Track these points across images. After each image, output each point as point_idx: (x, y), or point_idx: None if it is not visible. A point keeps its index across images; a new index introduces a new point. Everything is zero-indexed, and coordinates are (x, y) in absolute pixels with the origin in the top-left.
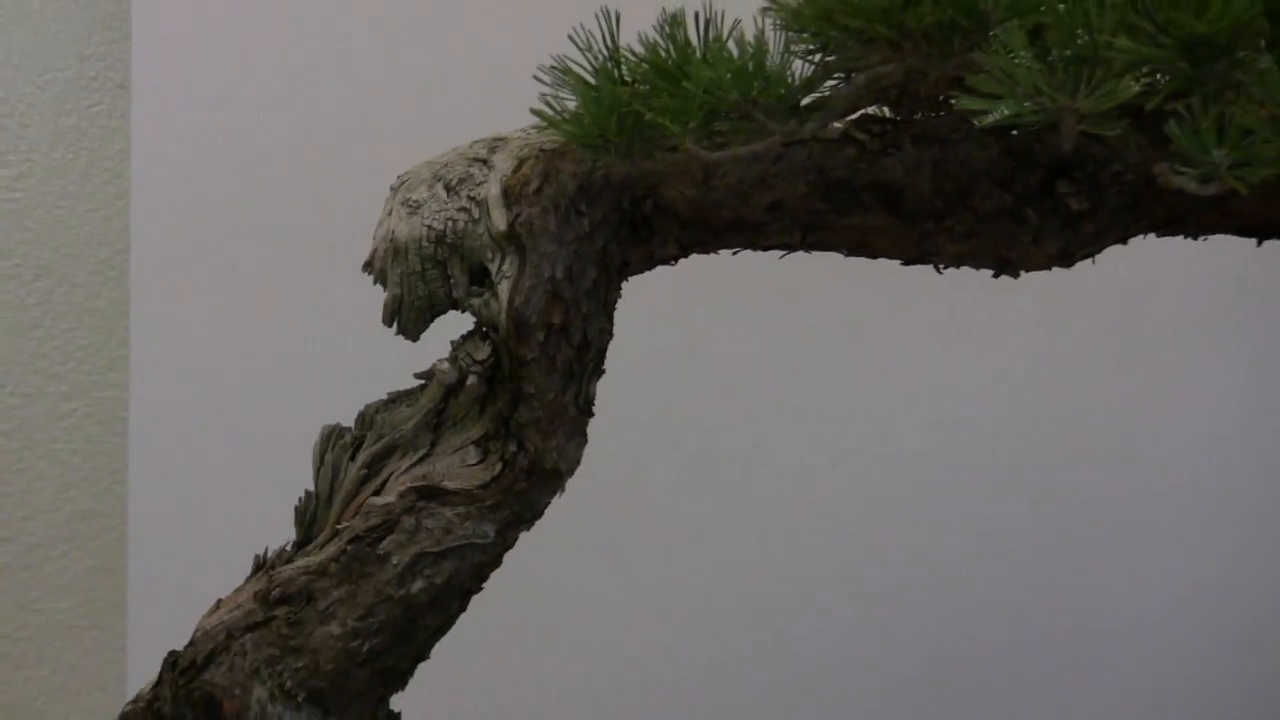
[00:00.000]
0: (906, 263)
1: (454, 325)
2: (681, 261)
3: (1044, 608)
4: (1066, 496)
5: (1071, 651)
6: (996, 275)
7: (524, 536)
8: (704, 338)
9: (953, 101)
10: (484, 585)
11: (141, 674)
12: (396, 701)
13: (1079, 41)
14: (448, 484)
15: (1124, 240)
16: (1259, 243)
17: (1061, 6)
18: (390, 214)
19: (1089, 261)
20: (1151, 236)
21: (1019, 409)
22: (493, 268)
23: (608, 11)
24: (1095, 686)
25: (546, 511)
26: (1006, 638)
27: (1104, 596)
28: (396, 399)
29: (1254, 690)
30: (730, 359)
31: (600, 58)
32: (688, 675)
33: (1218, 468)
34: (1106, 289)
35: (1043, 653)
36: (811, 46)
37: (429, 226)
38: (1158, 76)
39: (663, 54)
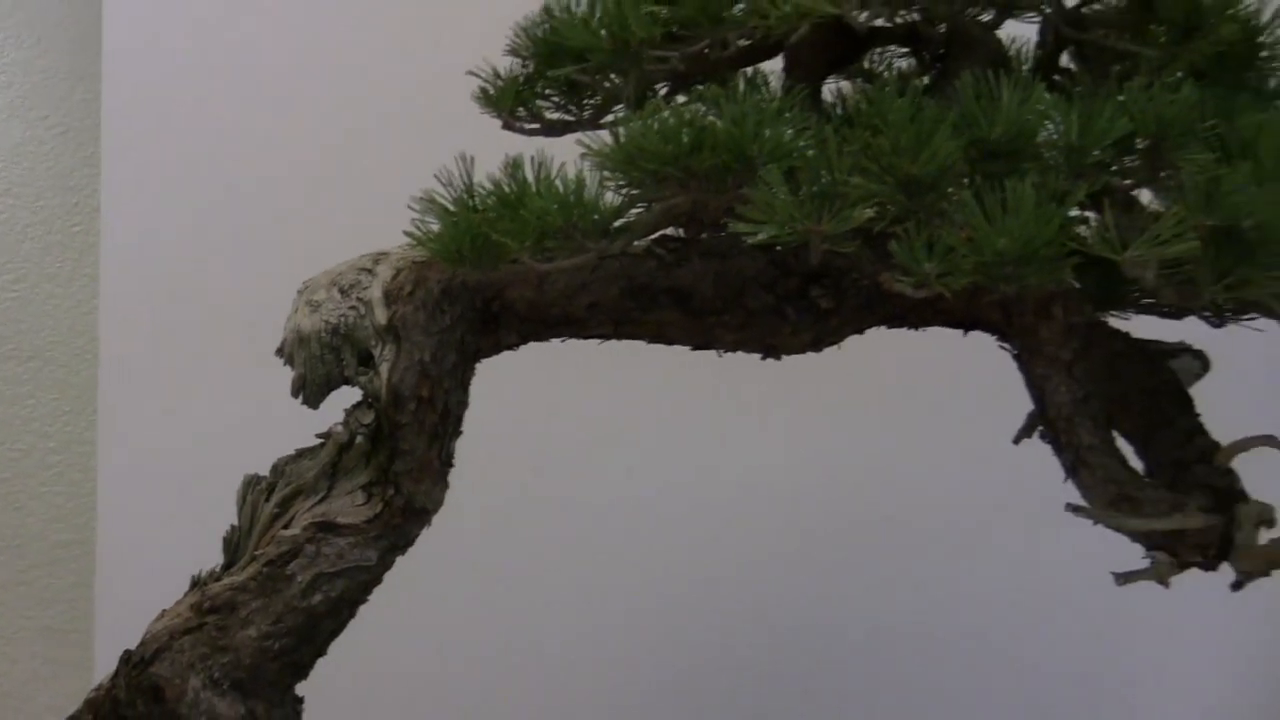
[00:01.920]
0: (695, 349)
1: (346, 397)
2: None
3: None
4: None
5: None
6: (764, 358)
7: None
8: (536, 405)
9: (729, 225)
10: (368, 598)
11: (104, 667)
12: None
13: (823, 180)
14: (341, 520)
15: (861, 331)
16: (965, 333)
17: (810, 153)
18: (296, 311)
19: (836, 347)
20: None
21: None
22: (376, 353)
23: (465, 156)
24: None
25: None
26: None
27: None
28: (302, 453)
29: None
30: (559, 424)
31: (458, 191)
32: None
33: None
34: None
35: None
36: (620, 182)
37: (326, 321)
38: (883, 206)
39: (505, 188)
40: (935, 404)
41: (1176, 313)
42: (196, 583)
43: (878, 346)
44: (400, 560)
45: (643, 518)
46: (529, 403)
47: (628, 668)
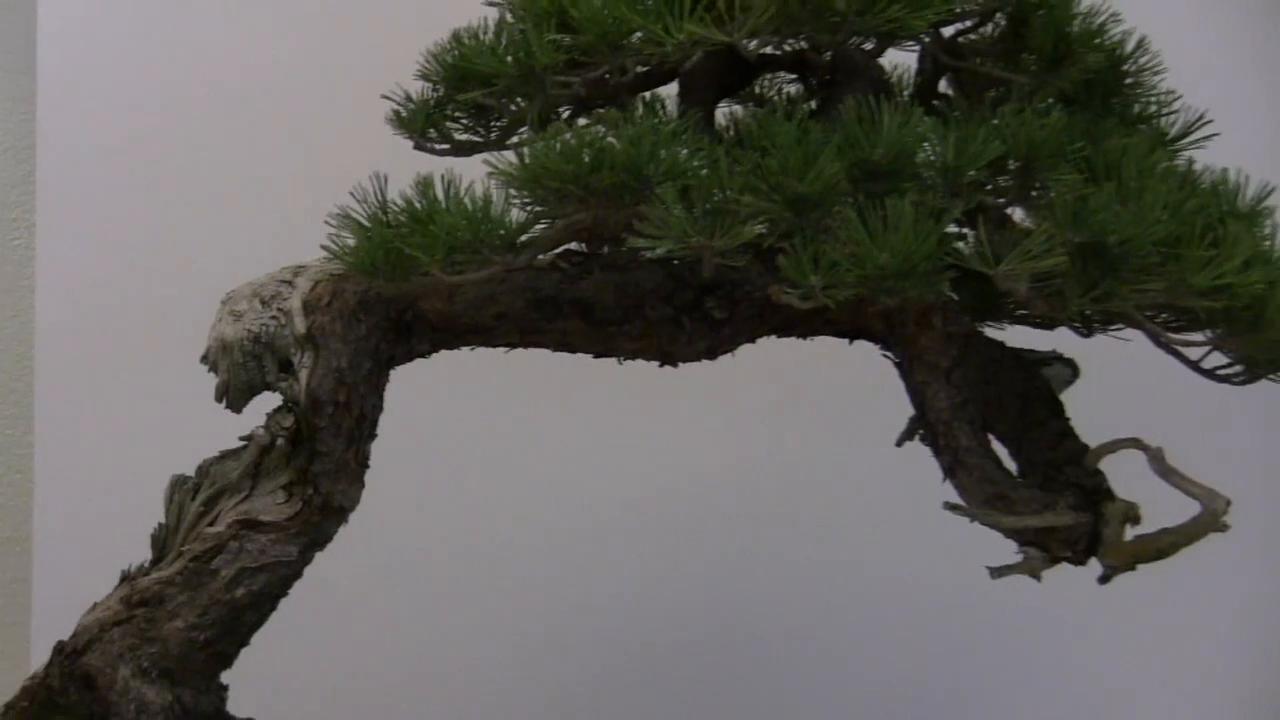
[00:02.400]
0: (596, 356)
1: (267, 402)
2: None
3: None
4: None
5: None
6: (661, 365)
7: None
8: (455, 409)
9: (628, 240)
10: (288, 591)
11: (40, 657)
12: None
13: (715, 198)
14: (263, 518)
15: (753, 340)
16: (850, 342)
17: (703, 173)
18: (220, 320)
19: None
20: None
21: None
22: (295, 360)
23: (379, 174)
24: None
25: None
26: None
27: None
28: (226, 455)
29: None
30: (479, 425)
31: (372, 207)
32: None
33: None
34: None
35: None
36: (525, 200)
37: (249, 330)
38: (772, 223)
39: (417, 205)
40: (822, 407)
41: (1048, 323)
42: (126, 577)
43: (773, 355)
44: (319, 557)
45: (563, 517)
46: (443, 409)
47: (550, 662)
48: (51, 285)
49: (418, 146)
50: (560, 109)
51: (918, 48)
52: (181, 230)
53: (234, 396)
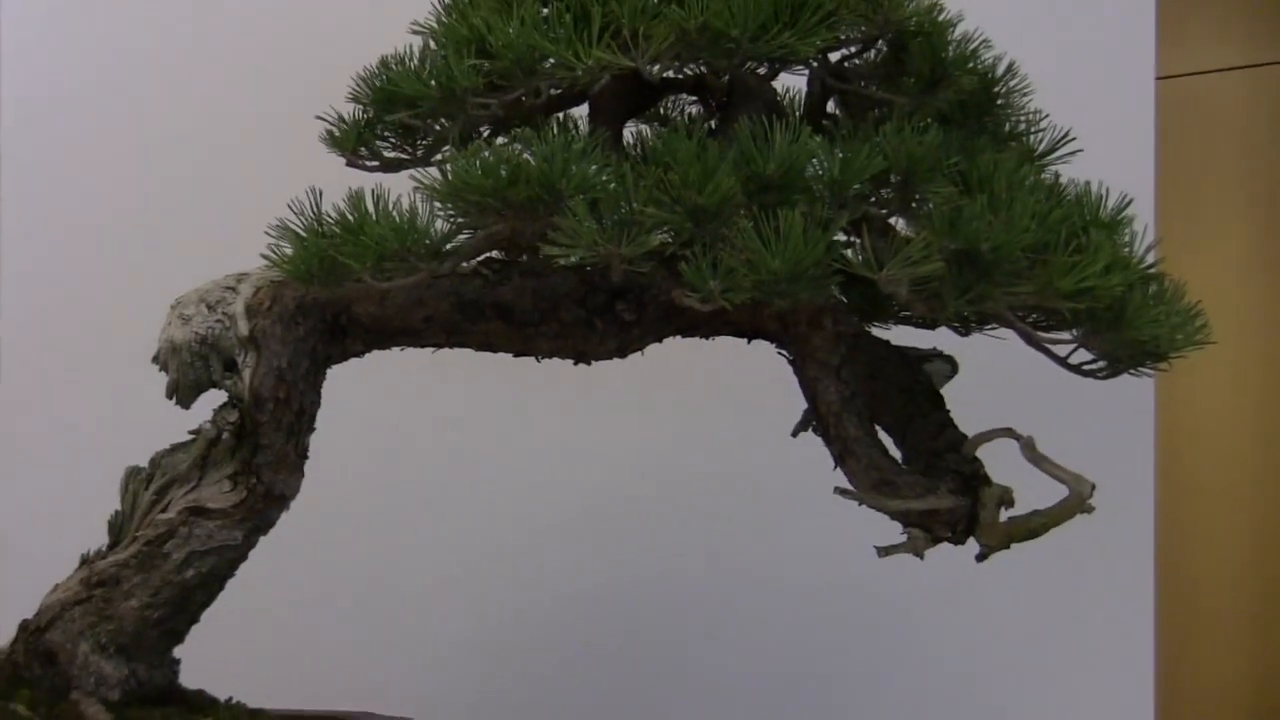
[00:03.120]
0: (516, 355)
1: (214, 399)
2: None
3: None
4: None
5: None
6: (576, 363)
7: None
8: (400, 404)
9: (543, 249)
10: (235, 573)
11: (5, 635)
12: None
13: (622, 210)
14: (210, 505)
15: (660, 340)
16: (749, 341)
17: (611, 187)
18: (170, 324)
19: (639, 353)
20: None
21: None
22: (239, 360)
23: (315, 189)
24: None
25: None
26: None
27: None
28: (177, 448)
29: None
30: (414, 420)
31: (308, 219)
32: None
33: None
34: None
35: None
36: (448, 212)
37: (196, 332)
38: (674, 233)
39: (349, 217)
40: (726, 401)
41: (928, 323)
42: (85, 560)
43: (679, 353)
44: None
45: (472, 506)
46: (365, 406)
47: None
48: (13, 291)
49: (349, 163)
50: (480, 128)
51: (807, 72)
52: (134, 239)
53: (183, 394)
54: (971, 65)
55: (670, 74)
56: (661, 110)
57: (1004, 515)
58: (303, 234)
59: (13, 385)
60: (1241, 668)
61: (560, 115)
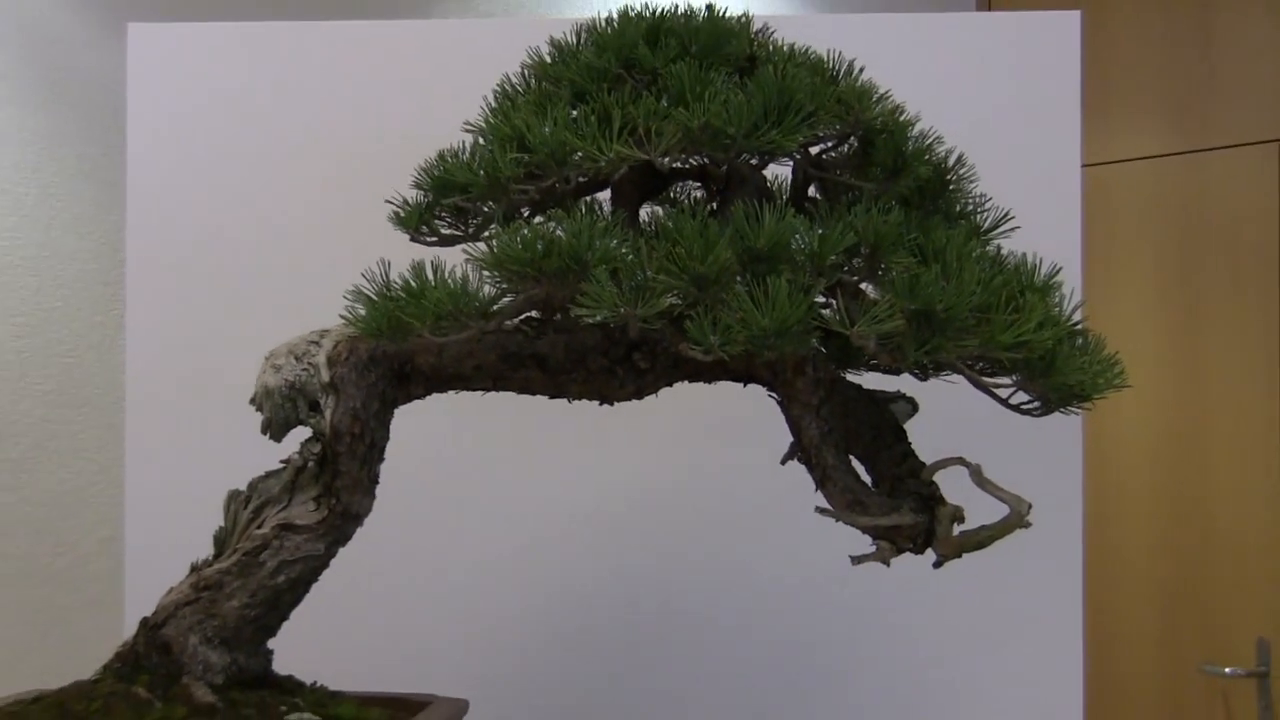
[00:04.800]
0: (551, 397)
1: (300, 434)
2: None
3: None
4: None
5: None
6: (600, 405)
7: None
8: (452, 438)
9: (572, 310)
10: (318, 579)
11: (129, 630)
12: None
13: (638, 277)
14: (298, 522)
15: (670, 384)
16: (744, 385)
17: (629, 258)
18: (264, 372)
19: (653, 395)
20: None
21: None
22: (321, 401)
23: (384, 261)
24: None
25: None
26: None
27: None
28: (270, 474)
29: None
30: (465, 451)
31: (378, 285)
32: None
33: None
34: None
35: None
36: (494, 279)
37: (286, 379)
38: (681, 296)
39: (412, 283)
40: (726, 435)
41: (893, 371)
42: (194, 568)
43: (684, 395)
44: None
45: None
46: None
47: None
48: (139, 342)
49: (413, 239)
50: (520, 210)
51: (791, 162)
52: (241, 300)
53: (275, 430)
54: (927, 157)
55: (678, 164)
56: (671, 194)
57: (956, 530)
58: (374, 297)
59: (138, 425)
60: (1154, 618)
61: (586, 199)
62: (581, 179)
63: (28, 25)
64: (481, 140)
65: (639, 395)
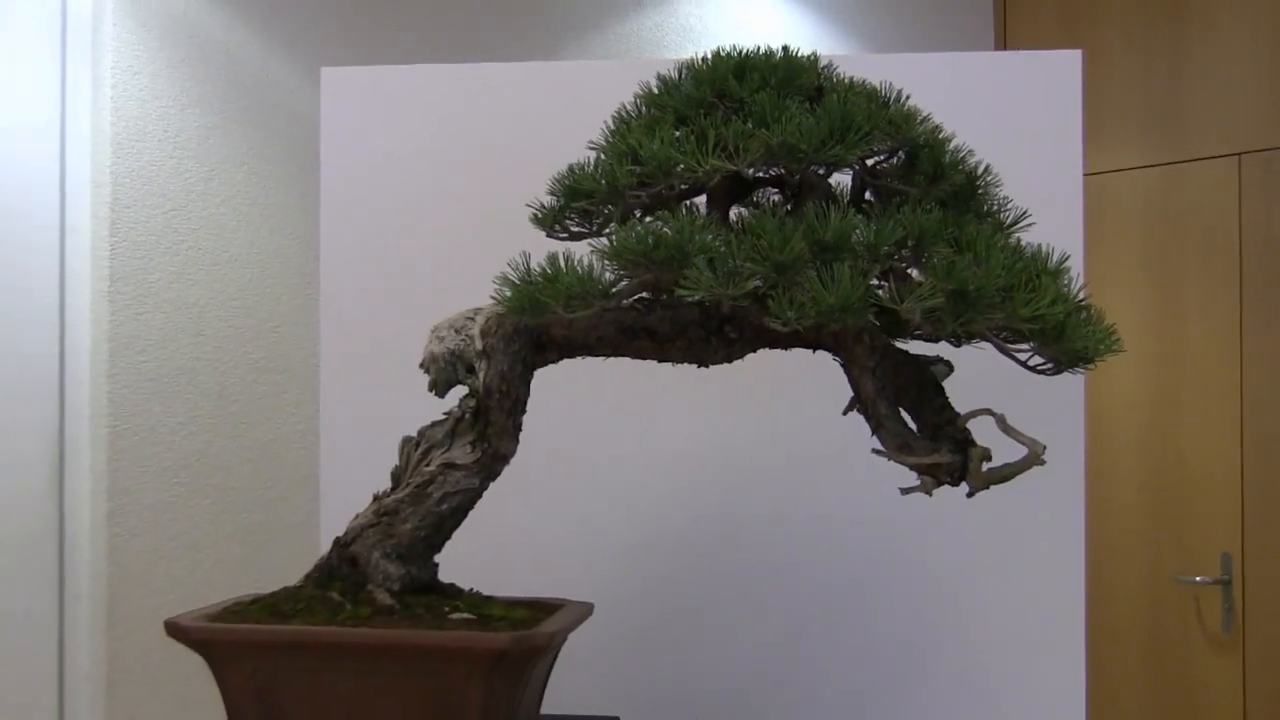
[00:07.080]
0: (659, 362)
1: (459, 392)
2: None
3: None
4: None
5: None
6: (699, 367)
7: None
8: (567, 396)
9: (677, 291)
10: (474, 506)
11: (325, 548)
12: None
13: (729, 264)
14: (458, 461)
15: (755, 350)
16: (814, 351)
17: (721, 250)
18: (430, 342)
19: (740, 360)
20: None
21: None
22: (476, 365)
23: (525, 252)
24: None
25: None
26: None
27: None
28: (436, 424)
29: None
30: (590, 405)
31: (521, 271)
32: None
33: None
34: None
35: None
36: (614, 267)
37: (448, 348)
38: (764, 279)
39: (548, 270)
40: (801, 392)
41: (933, 339)
42: (376, 498)
43: (765, 360)
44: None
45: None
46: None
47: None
48: (331, 322)
49: (548, 235)
50: (634, 212)
51: (851, 172)
52: (417, 284)
53: (439, 389)
54: (960, 167)
55: (760, 174)
56: (754, 199)
57: (985, 467)
58: (517, 282)
59: (331, 391)
60: (1137, 538)
61: (687, 203)
62: (683, 186)
63: (238, 68)
64: (603, 156)
65: (729, 359)
